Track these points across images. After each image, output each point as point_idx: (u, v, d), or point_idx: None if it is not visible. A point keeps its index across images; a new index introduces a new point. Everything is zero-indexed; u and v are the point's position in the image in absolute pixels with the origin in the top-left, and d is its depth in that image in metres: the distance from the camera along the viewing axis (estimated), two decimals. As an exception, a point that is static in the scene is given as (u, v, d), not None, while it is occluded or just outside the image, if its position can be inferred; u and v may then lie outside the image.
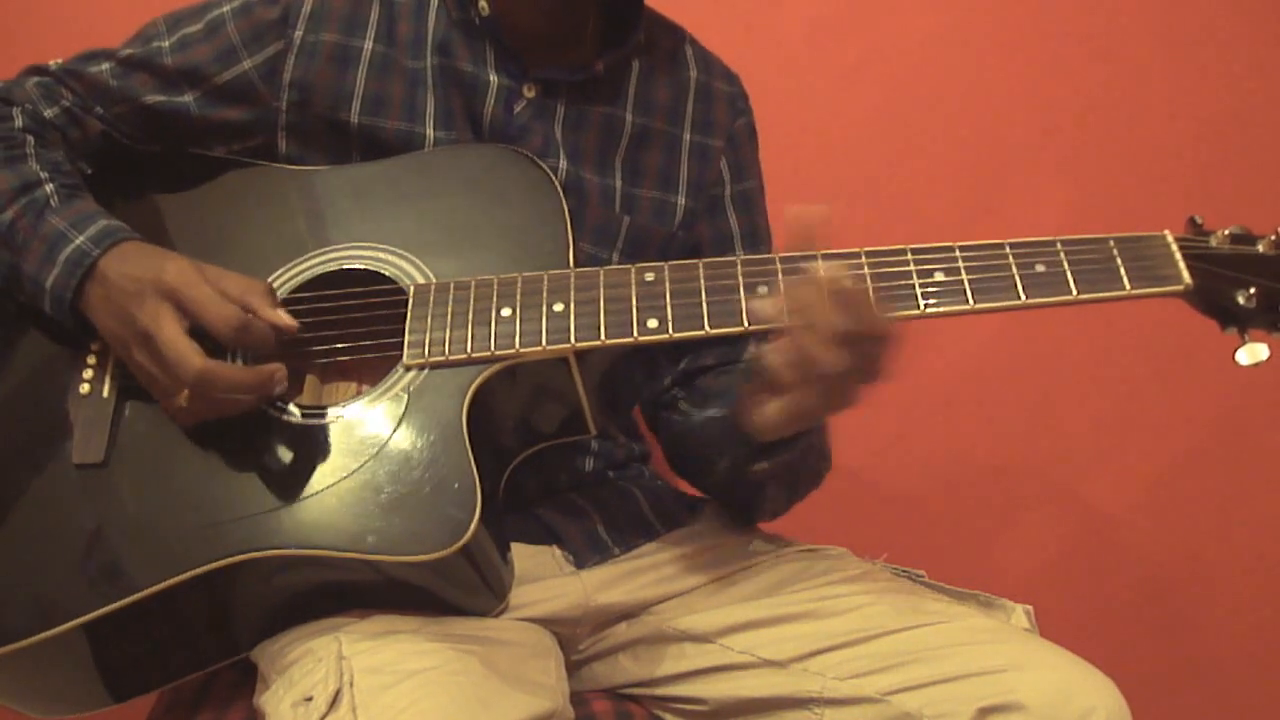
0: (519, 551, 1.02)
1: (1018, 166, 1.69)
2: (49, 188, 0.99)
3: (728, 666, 0.99)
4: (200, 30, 1.07)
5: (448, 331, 0.93)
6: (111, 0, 1.33)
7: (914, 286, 0.88)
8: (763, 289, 0.90)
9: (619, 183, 1.12)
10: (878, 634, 0.95)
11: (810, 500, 1.13)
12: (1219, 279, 0.87)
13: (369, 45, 1.07)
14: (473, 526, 0.85)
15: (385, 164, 1.06)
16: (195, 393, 0.90)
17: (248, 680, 0.95)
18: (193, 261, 0.94)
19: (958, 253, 0.89)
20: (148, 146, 1.10)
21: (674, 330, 0.90)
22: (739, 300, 0.90)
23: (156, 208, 1.07)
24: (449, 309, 0.94)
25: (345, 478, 0.90)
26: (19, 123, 1.04)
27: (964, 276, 0.88)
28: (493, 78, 1.08)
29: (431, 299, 0.95)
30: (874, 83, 1.68)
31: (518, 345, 0.92)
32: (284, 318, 0.94)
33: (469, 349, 0.92)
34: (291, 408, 0.95)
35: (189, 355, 0.89)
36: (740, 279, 0.91)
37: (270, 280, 1.00)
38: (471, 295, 0.95)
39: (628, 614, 1.06)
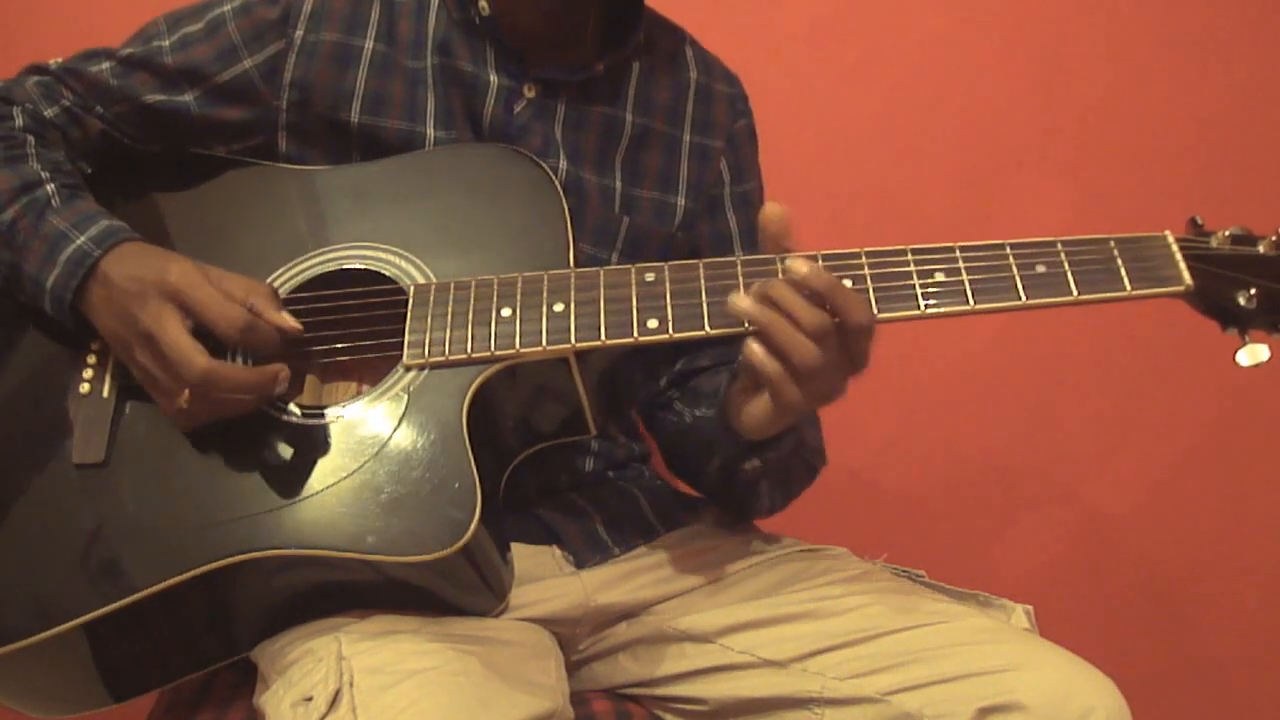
0: (519, 551, 1.02)
1: (1018, 167, 1.70)
2: (50, 187, 0.99)
3: (728, 666, 0.99)
4: (201, 29, 1.07)
5: (448, 331, 0.93)
6: (111, 0, 1.33)
7: (914, 287, 0.88)
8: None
9: (619, 183, 1.12)
10: (878, 634, 0.95)
11: (810, 500, 1.13)
12: (1219, 280, 0.87)
13: (369, 45, 1.07)
14: (473, 527, 0.85)
15: (385, 164, 1.06)
16: (197, 393, 0.90)
17: (248, 680, 0.96)
18: (195, 263, 0.94)
19: (958, 253, 0.89)
20: (148, 146, 1.10)
21: (674, 330, 0.90)
22: None
23: (156, 207, 1.07)
24: (449, 309, 0.94)
25: (345, 478, 0.90)
26: (19, 122, 1.04)
27: (964, 277, 0.88)
28: (493, 77, 1.08)
29: (431, 299, 0.95)
30: (874, 83, 1.68)
31: (518, 345, 0.92)
32: (288, 320, 0.94)
33: (469, 349, 0.92)
34: (291, 407, 0.95)
35: (193, 355, 0.89)
36: (740, 279, 0.90)
37: (270, 280, 1.00)
38: (471, 295, 0.94)
39: (628, 614, 1.06)
